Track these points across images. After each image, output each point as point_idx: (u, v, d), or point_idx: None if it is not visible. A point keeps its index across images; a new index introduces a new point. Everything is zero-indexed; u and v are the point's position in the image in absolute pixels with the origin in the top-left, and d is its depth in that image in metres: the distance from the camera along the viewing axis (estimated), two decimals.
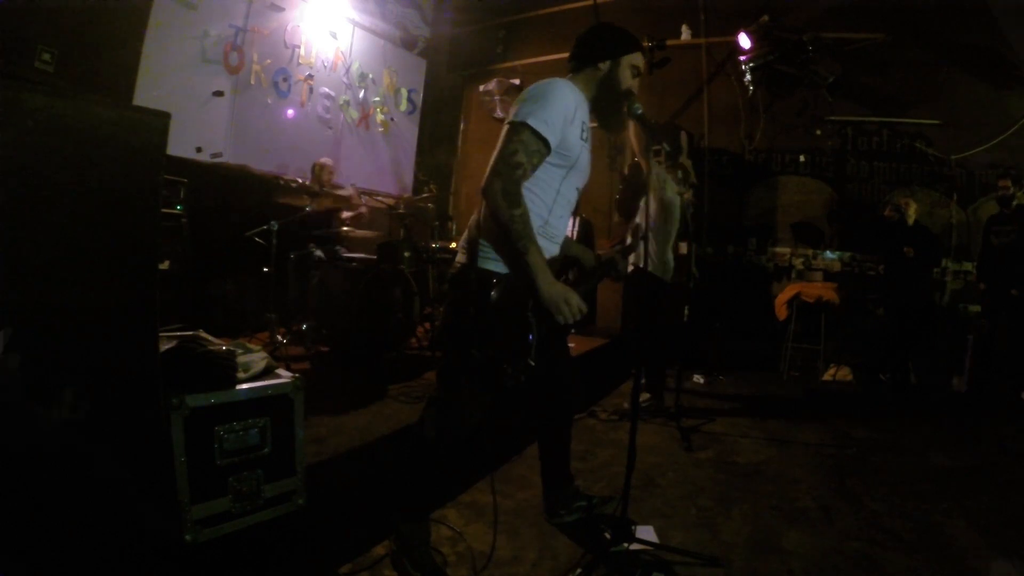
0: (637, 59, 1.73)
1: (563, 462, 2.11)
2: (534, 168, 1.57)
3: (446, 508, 2.21)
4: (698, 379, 4.58)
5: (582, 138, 1.65)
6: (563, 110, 1.56)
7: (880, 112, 5.35)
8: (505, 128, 1.56)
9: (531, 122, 1.51)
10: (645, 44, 5.29)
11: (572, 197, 1.73)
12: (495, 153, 1.53)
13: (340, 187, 5.01)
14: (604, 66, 1.71)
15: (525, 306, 1.52)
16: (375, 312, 3.58)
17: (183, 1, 4.14)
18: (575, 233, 5.10)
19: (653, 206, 3.46)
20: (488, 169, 1.51)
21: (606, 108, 1.73)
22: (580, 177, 1.73)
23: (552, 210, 1.67)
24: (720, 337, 5.20)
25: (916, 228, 4.67)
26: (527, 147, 1.51)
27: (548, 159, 1.59)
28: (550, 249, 1.69)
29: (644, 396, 3.74)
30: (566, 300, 1.49)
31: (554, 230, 1.70)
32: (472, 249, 1.62)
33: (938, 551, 2.04)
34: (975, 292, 4.80)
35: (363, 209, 4.81)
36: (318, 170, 4.53)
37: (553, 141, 1.55)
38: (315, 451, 2.02)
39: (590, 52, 1.73)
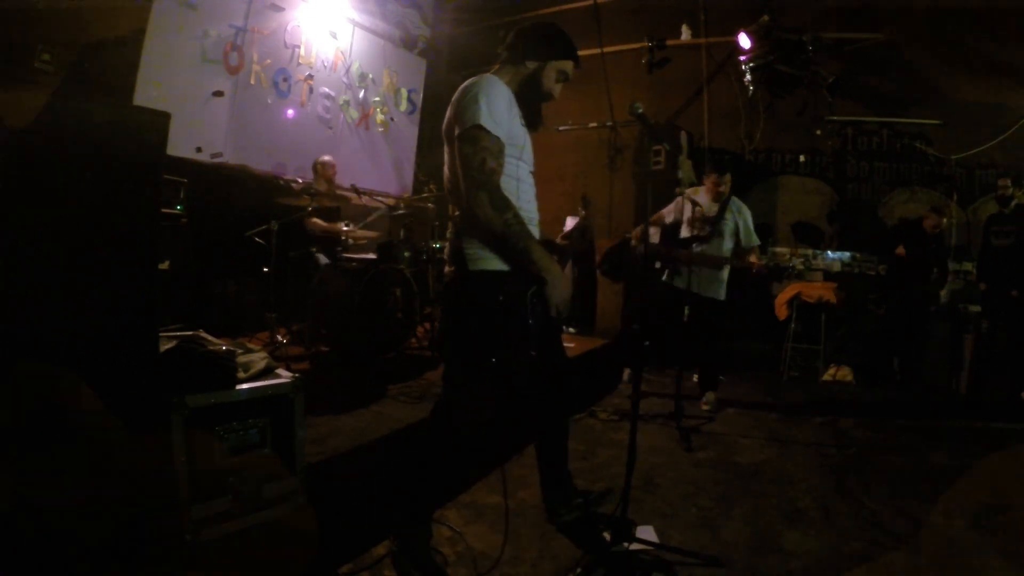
0: (567, 66, 1.78)
1: (560, 461, 2.11)
2: (502, 167, 1.61)
3: (446, 508, 2.21)
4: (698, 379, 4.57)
5: (523, 124, 1.71)
6: (503, 102, 1.61)
7: (880, 112, 5.35)
8: (459, 138, 1.57)
9: (483, 123, 1.54)
10: (645, 44, 5.31)
11: (530, 180, 1.80)
12: (462, 168, 1.55)
13: (340, 186, 5.01)
14: (531, 65, 1.75)
15: (524, 300, 1.55)
16: (375, 312, 3.58)
17: (183, 1, 4.14)
18: (576, 233, 5.09)
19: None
20: (465, 187, 1.54)
21: (526, 104, 1.77)
22: (530, 161, 1.79)
23: (519, 196, 1.70)
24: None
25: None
26: (490, 151, 1.55)
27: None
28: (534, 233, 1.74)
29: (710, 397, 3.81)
30: (567, 299, 1.56)
31: (527, 214, 1.73)
32: (459, 257, 1.64)
33: (938, 551, 2.04)
34: (975, 292, 4.80)
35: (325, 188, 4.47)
36: (320, 168, 4.49)
37: (503, 135, 1.59)
38: (315, 451, 2.02)
39: (521, 48, 1.76)
